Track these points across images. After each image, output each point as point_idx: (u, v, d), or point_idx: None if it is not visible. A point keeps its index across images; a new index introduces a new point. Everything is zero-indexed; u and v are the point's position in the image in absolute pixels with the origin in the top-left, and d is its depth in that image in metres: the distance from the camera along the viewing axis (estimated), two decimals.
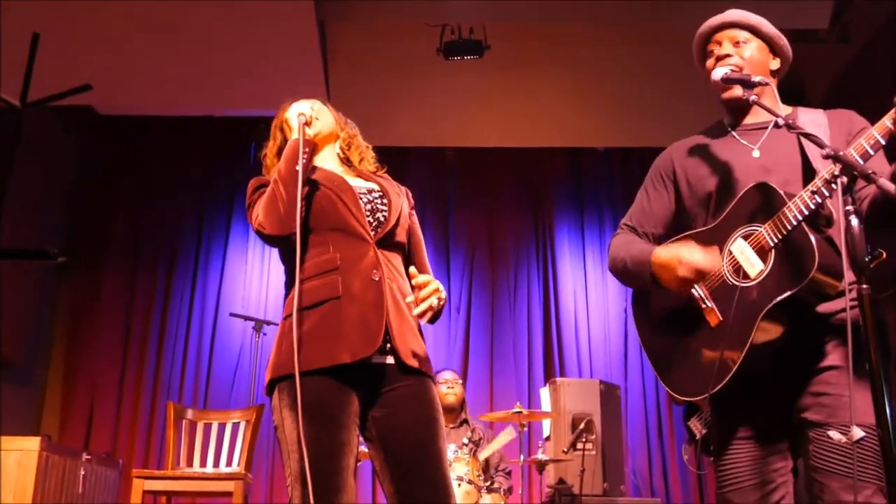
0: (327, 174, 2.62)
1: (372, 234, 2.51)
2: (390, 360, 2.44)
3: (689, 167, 2.52)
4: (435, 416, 2.44)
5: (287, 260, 2.56)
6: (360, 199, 2.55)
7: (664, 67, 6.73)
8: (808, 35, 6.26)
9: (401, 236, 2.60)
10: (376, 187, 2.65)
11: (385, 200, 2.61)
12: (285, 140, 2.68)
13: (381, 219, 2.56)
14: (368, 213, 2.54)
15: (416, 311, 2.39)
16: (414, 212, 2.76)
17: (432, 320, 2.48)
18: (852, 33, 6.45)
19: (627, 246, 2.57)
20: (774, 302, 2.18)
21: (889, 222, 2.22)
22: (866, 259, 1.92)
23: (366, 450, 2.53)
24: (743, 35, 2.46)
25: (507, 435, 5.46)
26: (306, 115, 2.59)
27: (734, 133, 2.48)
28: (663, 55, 6.65)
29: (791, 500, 2.32)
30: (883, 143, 2.07)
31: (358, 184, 2.63)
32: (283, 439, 2.34)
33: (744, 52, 2.44)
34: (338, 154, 2.76)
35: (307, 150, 2.52)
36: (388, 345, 2.43)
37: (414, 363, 2.44)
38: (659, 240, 2.58)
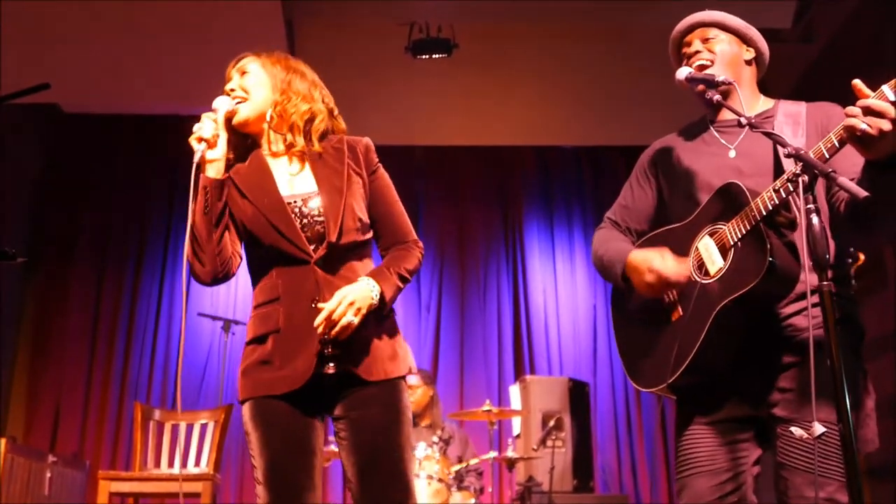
0: (256, 187, 2.43)
1: (312, 250, 2.37)
2: (332, 369, 2.38)
3: (669, 164, 2.56)
4: (395, 417, 2.41)
5: (248, 270, 2.54)
6: (293, 214, 2.38)
7: (632, 66, 6.77)
8: (771, 34, 6.28)
9: (350, 237, 2.40)
10: (314, 189, 2.44)
11: (321, 209, 2.40)
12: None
13: (320, 230, 2.38)
14: (306, 228, 2.38)
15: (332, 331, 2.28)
16: (378, 170, 2.56)
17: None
18: (815, 33, 6.52)
19: (607, 243, 2.61)
20: (724, 303, 2.22)
21: (865, 221, 2.24)
22: (848, 261, 1.94)
23: (334, 448, 2.54)
24: (711, 32, 2.51)
25: (486, 456, 5.44)
26: (206, 135, 2.34)
27: (714, 129, 2.51)
28: (631, 54, 6.69)
29: (749, 490, 2.33)
30: (838, 146, 2.08)
31: (292, 191, 2.44)
32: (250, 442, 2.37)
33: (714, 46, 2.49)
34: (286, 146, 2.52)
35: (207, 186, 2.33)
36: (334, 362, 2.37)
37: (372, 376, 2.38)
38: (640, 235, 2.63)
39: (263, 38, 6.20)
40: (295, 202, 2.41)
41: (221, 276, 2.38)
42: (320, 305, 2.30)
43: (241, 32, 6.13)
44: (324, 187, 2.42)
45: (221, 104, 2.43)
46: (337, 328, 2.27)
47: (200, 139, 2.35)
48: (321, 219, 2.38)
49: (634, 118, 7.14)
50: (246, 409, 2.39)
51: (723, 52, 2.48)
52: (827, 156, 2.09)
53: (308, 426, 2.38)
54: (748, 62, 2.52)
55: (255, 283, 2.46)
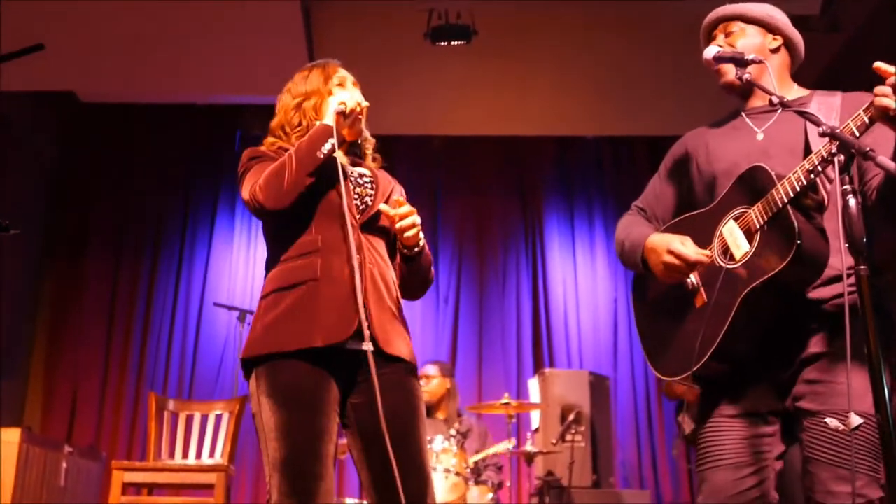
0: None
1: (357, 216, 2.45)
2: (370, 346, 2.36)
3: (699, 153, 2.54)
4: (415, 405, 2.39)
5: (270, 237, 2.52)
6: (350, 181, 2.51)
7: (654, 55, 6.69)
8: (799, 22, 6.20)
9: (386, 221, 2.52)
10: (367, 172, 2.60)
11: (374, 185, 2.56)
12: (300, 105, 2.59)
13: (368, 202, 2.50)
14: (356, 197, 2.49)
15: (400, 224, 2.42)
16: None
17: (411, 257, 2.52)
18: (842, 21, 6.42)
19: (630, 227, 2.60)
20: (750, 288, 2.17)
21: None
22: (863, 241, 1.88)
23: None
24: (734, 26, 2.50)
25: (505, 445, 5.37)
26: (348, 105, 2.48)
27: (744, 116, 2.49)
28: (654, 43, 6.60)
29: (772, 486, 2.27)
30: (868, 123, 2.04)
31: (349, 165, 2.59)
32: (261, 427, 2.28)
33: (736, 41, 2.47)
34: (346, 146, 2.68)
35: (334, 142, 2.41)
36: (368, 331, 2.35)
37: (394, 351, 2.38)
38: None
39: (281, 26, 6.18)
40: (352, 172, 2.56)
41: (280, 207, 2.36)
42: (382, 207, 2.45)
43: (259, 21, 6.11)
44: (374, 175, 2.62)
45: (361, 104, 2.55)
46: (409, 219, 2.42)
47: (343, 103, 2.48)
48: (371, 191, 2.54)
49: (657, 108, 7.05)
50: (265, 376, 2.30)
51: (744, 45, 2.46)
52: (857, 133, 2.04)
53: (331, 408, 2.30)
54: (775, 50, 2.49)
55: (288, 242, 2.43)
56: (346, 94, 2.53)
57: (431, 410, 5.76)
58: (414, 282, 2.57)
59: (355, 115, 2.51)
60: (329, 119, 2.44)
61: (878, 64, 1.98)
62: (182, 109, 7.68)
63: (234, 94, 7.21)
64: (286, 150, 2.48)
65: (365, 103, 2.55)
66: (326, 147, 2.38)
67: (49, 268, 7.53)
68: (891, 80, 1.95)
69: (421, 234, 2.48)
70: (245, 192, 2.42)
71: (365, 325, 2.29)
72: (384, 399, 2.32)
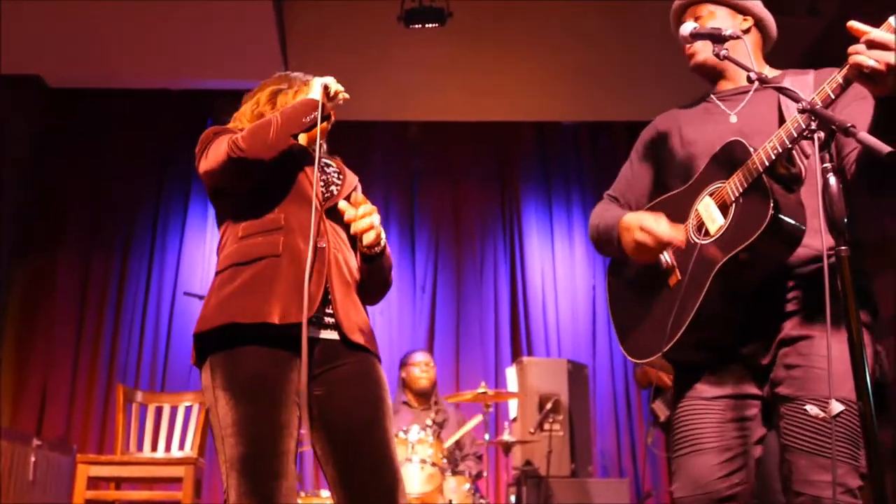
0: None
1: (323, 202, 2.38)
2: (333, 335, 2.28)
3: (670, 137, 2.50)
4: (381, 396, 2.29)
5: (229, 218, 2.40)
6: (317, 164, 2.43)
7: (634, 39, 6.64)
8: (776, 5, 6.15)
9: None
10: (332, 163, 2.57)
11: (340, 175, 2.53)
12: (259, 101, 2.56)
13: (334, 191, 2.45)
14: (323, 184, 2.43)
15: (360, 224, 2.33)
16: None
17: (371, 257, 2.39)
18: (820, 5, 6.37)
19: (603, 212, 2.55)
20: (724, 260, 2.10)
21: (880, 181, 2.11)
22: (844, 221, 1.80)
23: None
24: (702, 9, 2.47)
25: (473, 421, 5.33)
26: (332, 87, 2.44)
27: (715, 99, 2.45)
28: (633, 26, 6.55)
29: (752, 472, 2.21)
30: (843, 84, 1.98)
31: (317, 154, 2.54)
32: (217, 422, 2.16)
33: (705, 24, 2.42)
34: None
35: (315, 116, 2.36)
36: (331, 319, 2.28)
37: (359, 339, 2.29)
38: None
39: (252, 11, 6.05)
40: (321, 159, 2.48)
41: (267, 156, 2.27)
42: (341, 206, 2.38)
43: (230, 6, 5.99)
44: (340, 166, 2.59)
45: (342, 92, 2.50)
46: (369, 220, 2.34)
47: (327, 86, 2.44)
48: (339, 181, 2.49)
49: (636, 93, 6.99)
50: (220, 366, 2.18)
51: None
52: (832, 96, 1.99)
53: (291, 400, 2.18)
54: (746, 31, 2.45)
55: (247, 220, 2.34)
56: (328, 78, 2.49)
57: (426, 397, 5.74)
58: (373, 283, 2.45)
59: (337, 99, 2.46)
60: (315, 94, 2.40)
61: (852, 23, 1.94)
62: (153, 95, 7.53)
63: (204, 79, 7.08)
64: None
65: (346, 95, 2.49)
66: (311, 116, 2.33)
67: (18, 258, 7.36)
68: (864, 37, 1.90)
69: (382, 235, 2.39)
70: (217, 153, 2.29)
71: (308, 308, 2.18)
72: (348, 389, 2.25)
